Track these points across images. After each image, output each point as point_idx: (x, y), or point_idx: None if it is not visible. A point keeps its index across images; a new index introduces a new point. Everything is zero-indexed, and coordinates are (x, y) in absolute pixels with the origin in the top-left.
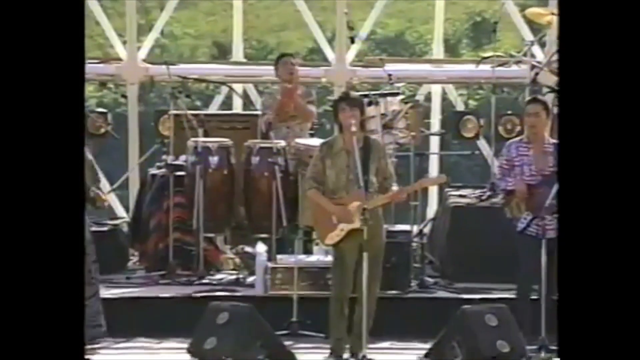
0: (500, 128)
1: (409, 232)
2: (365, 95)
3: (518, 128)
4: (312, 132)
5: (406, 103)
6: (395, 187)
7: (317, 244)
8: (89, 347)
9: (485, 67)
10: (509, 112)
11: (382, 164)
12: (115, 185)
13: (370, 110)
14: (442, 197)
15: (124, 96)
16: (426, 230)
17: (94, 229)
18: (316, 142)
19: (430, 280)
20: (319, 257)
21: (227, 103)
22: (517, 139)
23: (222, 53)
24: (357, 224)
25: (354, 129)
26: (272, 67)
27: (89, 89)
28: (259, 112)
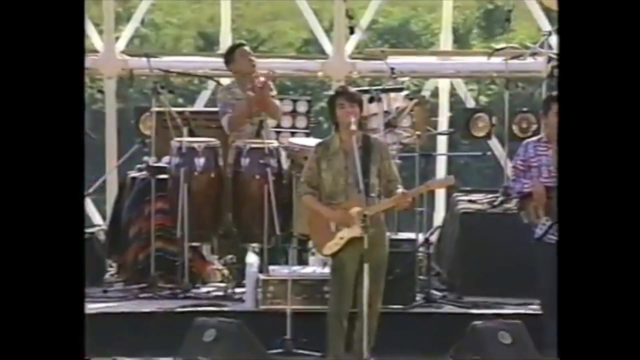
0: (514, 127)
1: (413, 241)
2: (366, 91)
3: (534, 127)
4: (307, 131)
5: (411, 99)
6: (400, 191)
7: (313, 254)
8: None
9: (498, 60)
10: (524, 109)
11: (384, 166)
12: (91, 190)
13: (372, 108)
14: (450, 203)
15: (101, 91)
16: (433, 238)
17: None
18: (312, 142)
19: (438, 293)
20: (315, 268)
21: (214, 99)
22: (535, 138)
23: (208, 44)
24: (357, 232)
25: (353, 127)
26: (264, 60)
27: None
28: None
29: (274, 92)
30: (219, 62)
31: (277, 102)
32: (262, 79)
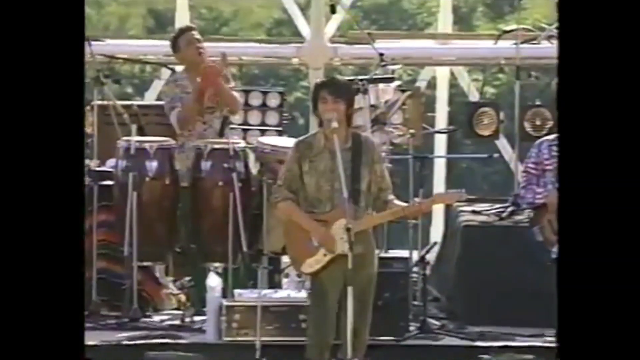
0: (526, 124)
1: (407, 260)
2: (350, 81)
3: (549, 124)
4: (280, 128)
5: (403, 91)
6: (396, 201)
7: (286, 276)
8: None
9: (507, 44)
10: (538, 102)
11: (376, 170)
12: None
13: (357, 101)
14: (450, 214)
15: None
16: (430, 257)
17: None
18: (285, 141)
19: (435, 322)
20: (290, 292)
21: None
22: (551, 137)
23: (160, 24)
24: (343, 248)
25: (334, 124)
26: (228, 44)
27: None
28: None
29: (232, 83)
30: None
31: (235, 93)
32: (212, 64)
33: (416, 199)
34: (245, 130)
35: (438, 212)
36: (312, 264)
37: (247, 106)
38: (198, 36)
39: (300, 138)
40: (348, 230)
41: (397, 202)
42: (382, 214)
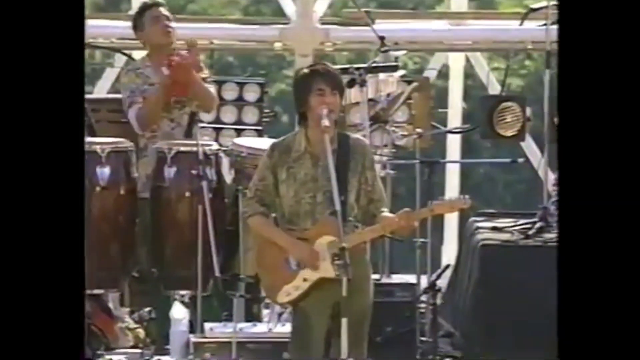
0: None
1: (413, 287)
2: (345, 71)
3: None
4: (259, 127)
5: (409, 82)
6: (386, 214)
7: (267, 306)
8: None
9: (534, 25)
10: None
11: (367, 178)
12: None
13: (353, 95)
14: (465, 231)
15: None
16: (441, 283)
17: None
18: (265, 143)
19: None
20: (271, 325)
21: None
22: None
23: (112, 2)
24: (328, 272)
25: (326, 123)
26: (196, 25)
27: None
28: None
29: (205, 73)
30: (129, 27)
31: (210, 86)
32: (183, 51)
33: (406, 209)
34: (217, 130)
35: (450, 228)
36: (290, 291)
37: (221, 100)
38: (167, 13)
39: (276, 140)
40: (342, 250)
41: (390, 216)
42: (372, 229)
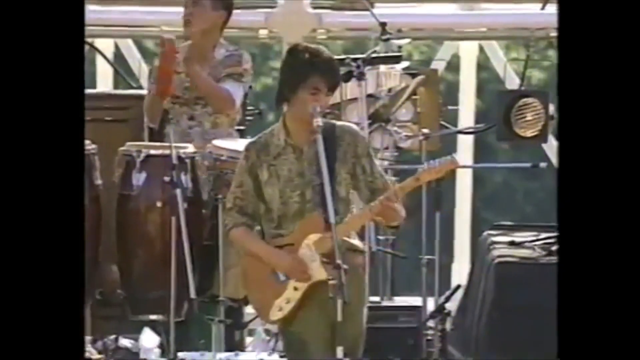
0: None
1: (419, 310)
2: (340, 62)
3: None
4: (241, 127)
5: (414, 76)
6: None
7: (252, 333)
8: None
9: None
10: None
11: (363, 166)
12: None
13: (350, 89)
14: (478, 246)
15: None
16: (451, 306)
17: None
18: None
19: None
20: (258, 354)
21: (86, 75)
22: None
23: None
24: (320, 274)
25: (319, 122)
26: (167, 8)
27: None
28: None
29: (243, 67)
30: (95, 11)
31: (237, 87)
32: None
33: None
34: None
35: (461, 243)
36: (282, 305)
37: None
38: None
39: (252, 139)
40: (338, 267)
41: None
42: (359, 214)
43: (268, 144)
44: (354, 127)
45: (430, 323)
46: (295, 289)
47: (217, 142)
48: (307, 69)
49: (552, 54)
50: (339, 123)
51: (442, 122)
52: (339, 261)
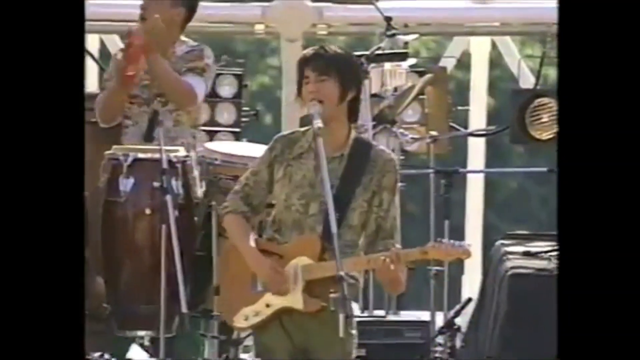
0: None
1: (427, 325)
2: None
3: None
4: (237, 129)
5: (421, 74)
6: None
7: (247, 350)
8: None
9: None
10: None
11: (382, 200)
12: None
13: None
14: (491, 257)
15: None
16: (461, 320)
17: None
18: (244, 148)
19: None
20: None
21: None
22: None
23: None
24: (295, 302)
25: (319, 124)
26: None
27: None
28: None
29: (204, 62)
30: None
31: (197, 80)
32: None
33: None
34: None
35: (473, 255)
36: (248, 314)
37: None
38: None
39: (284, 132)
40: (340, 279)
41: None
42: (354, 260)
43: (294, 142)
44: (392, 155)
45: (439, 339)
46: (267, 305)
47: (210, 145)
48: (300, 66)
49: None
50: (377, 147)
51: (452, 124)
52: (341, 273)
